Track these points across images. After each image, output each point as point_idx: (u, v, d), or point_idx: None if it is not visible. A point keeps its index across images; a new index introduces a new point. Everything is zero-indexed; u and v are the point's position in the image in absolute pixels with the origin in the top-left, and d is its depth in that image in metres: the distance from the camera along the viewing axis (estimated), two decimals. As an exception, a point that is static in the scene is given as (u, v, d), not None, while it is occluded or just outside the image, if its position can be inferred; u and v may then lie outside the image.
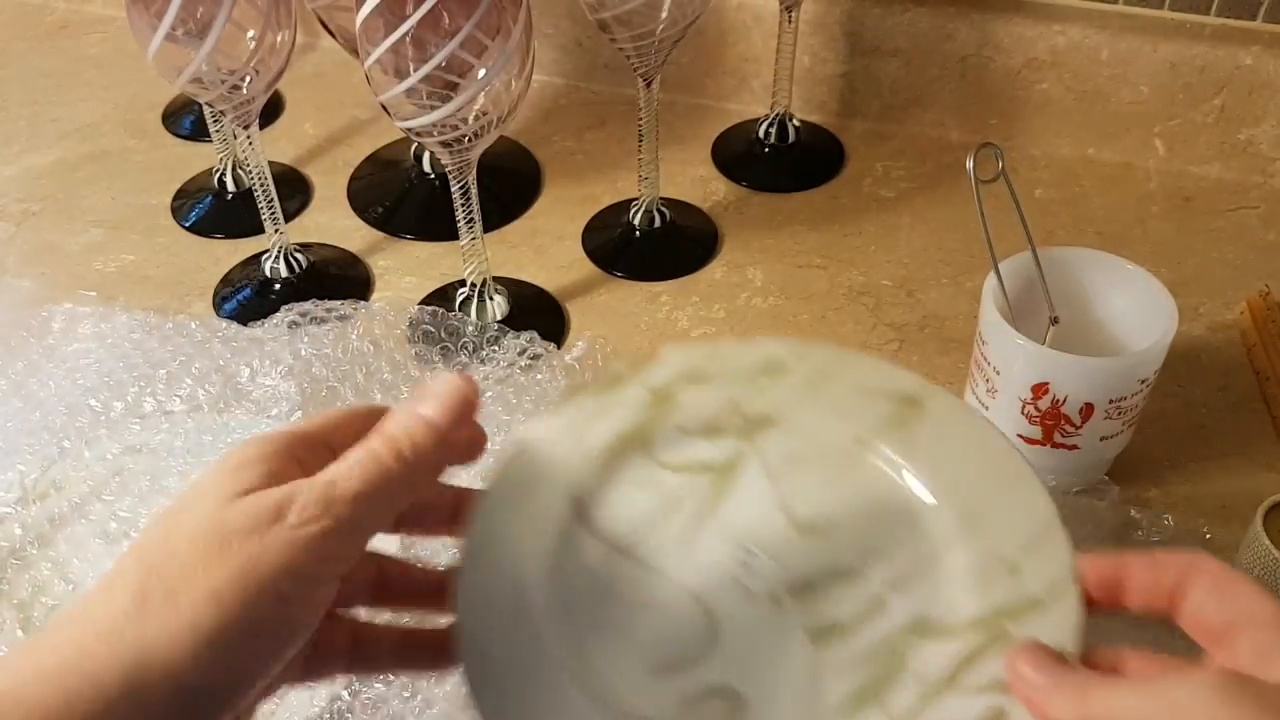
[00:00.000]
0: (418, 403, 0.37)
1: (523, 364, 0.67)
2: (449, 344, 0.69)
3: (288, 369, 0.67)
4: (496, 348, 0.68)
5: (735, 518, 0.42)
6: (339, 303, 0.72)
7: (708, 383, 0.45)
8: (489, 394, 0.65)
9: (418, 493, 0.37)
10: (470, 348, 0.68)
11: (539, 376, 0.66)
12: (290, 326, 0.70)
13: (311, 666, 0.38)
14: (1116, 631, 0.40)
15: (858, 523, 0.42)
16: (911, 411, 0.44)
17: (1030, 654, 0.36)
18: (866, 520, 0.42)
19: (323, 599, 0.35)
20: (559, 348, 0.70)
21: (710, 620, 0.39)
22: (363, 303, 0.73)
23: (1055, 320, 0.59)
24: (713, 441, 0.44)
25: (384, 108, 0.61)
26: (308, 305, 0.71)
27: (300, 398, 0.66)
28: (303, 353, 0.68)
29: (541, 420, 0.43)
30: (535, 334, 0.69)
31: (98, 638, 0.32)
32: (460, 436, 0.38)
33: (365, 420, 0.38)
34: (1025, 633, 0.37)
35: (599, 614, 0.39)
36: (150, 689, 0.31)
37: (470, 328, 0.70)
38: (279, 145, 0.88)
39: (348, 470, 0.35)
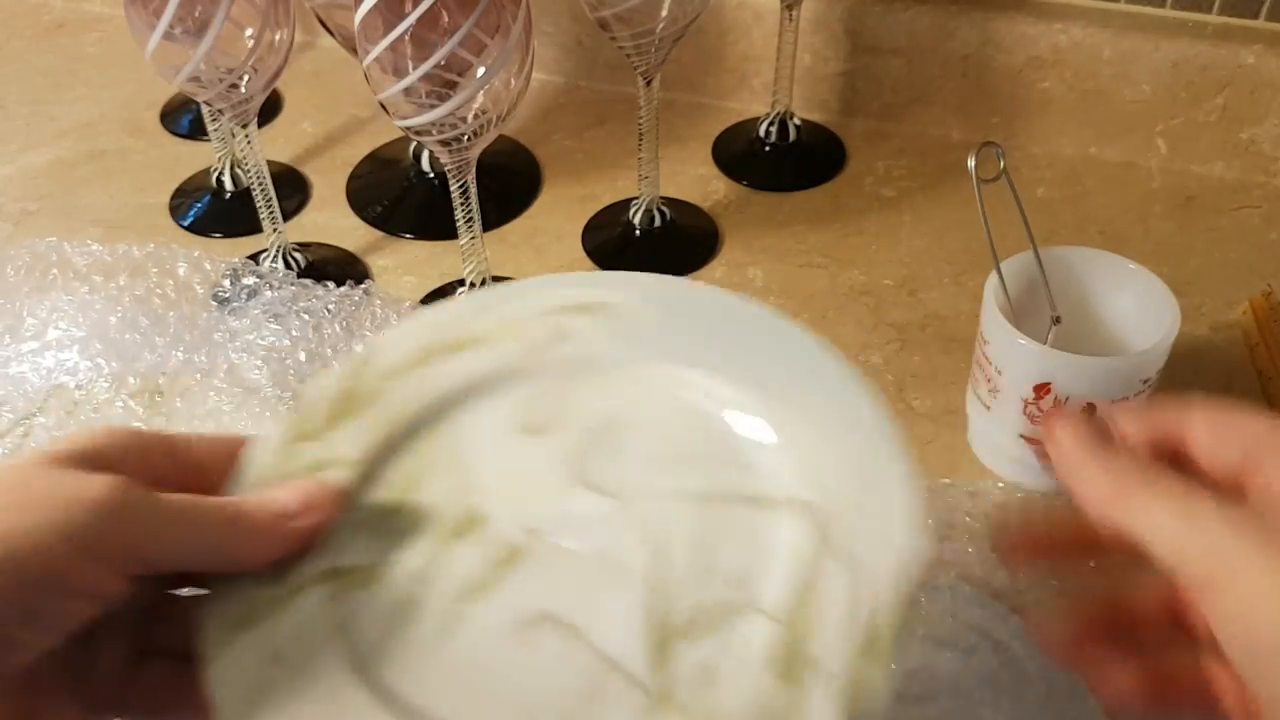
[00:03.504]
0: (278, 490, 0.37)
1: None
2: None
3: (265, 358, 0.67)
4: None
5: None
6: (321, 288, 0.71)
7: None
8: None
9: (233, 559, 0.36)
10: None
11: None
12: (275, 318, 0.70)
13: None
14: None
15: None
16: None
17: (1072, 424, 0.34)
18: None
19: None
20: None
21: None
22: (347, 289, 0.72)
23: (1057, 320, 0.59)
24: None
25: (383, 106, 0.61)
26: (293, 290, 0.71)
27: (276, 389, 0.65)
28: (286, 343, 0.67)
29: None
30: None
31: None
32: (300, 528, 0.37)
33: (226, 450, 0.38)
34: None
35: None
36: None
37: None
38: (277, 144, 0.87)
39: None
